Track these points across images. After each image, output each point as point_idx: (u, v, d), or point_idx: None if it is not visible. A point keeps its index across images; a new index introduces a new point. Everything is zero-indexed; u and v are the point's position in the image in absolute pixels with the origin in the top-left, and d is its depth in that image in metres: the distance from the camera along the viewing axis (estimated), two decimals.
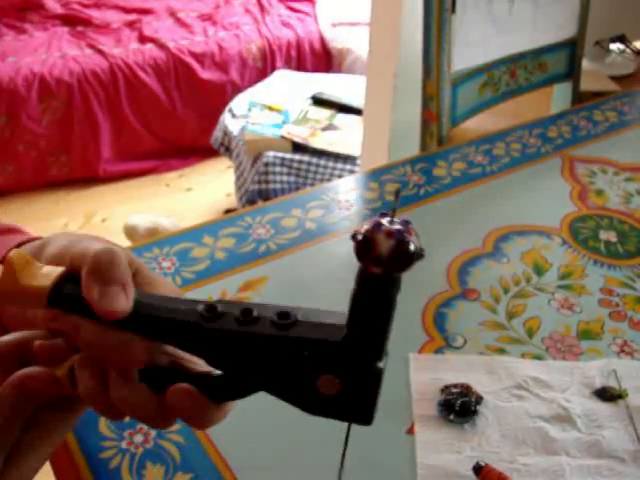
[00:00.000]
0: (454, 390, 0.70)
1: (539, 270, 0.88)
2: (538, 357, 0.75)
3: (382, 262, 0.36)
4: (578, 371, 0.74)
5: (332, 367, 0.39)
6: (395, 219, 0.37)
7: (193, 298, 0.42)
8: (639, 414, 0.69)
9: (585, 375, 0.73)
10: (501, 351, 0.76)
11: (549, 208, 1.00)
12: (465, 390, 0.70)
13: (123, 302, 0.39)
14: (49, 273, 0.41)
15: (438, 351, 0.75)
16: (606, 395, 0.71)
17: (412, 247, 0.36)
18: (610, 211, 1.01)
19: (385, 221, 0.36)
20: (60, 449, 0.65)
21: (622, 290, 0.86)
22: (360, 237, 0.36)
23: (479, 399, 0.69)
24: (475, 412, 0.68)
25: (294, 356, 0.40)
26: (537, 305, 0.82)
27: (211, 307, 0.41)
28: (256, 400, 0.42)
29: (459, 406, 0.68)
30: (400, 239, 0.35)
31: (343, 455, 0.45)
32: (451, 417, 0.67)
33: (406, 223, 0.36)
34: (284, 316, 0.40)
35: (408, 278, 0.86)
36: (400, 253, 0.35)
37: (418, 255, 0.36)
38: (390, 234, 0.35)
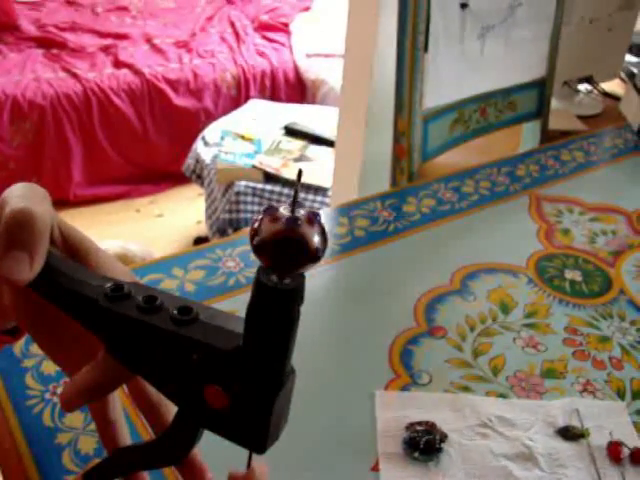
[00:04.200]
0: (419, 428, 0.70)
1: (505, 308, 0.89)
2: (503, 395, 0.76)
3: (265, 251, 0.31)
4: (541, 410, 0.75)
5: (219, 377, 0.36)
6: (302, 209, 0.32)
7: (119, 279, 0.40)
8: (601, 454, 0.70)
9: (548, 414, 0.74)
10: (466, 389, 0.76)
11: (516, 246, 1.02)
12: (430, 428, 0.70)
13: (24, 271, 0.37)
14: None
15: (404, 388, 0.76)
16: (569, 434, 0.72)
17: (306, 240, 0.31)
18: (576, 250, 1.02)
19: (283, 207, 0.32)
20: None
21: (586, 329, 0.87)
22: (255, 223, 0.32)
23: (444, 437, 0.70)
24: (439, 450, 0.68)
25: (183, 358, 0.37)
26: (503, 344, 0.83)
27: (118, 287, 0.39)
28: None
29: (424, 444, 0.68)
30: (289, 226, 0.30)
31: None
32: (416, 455, 0.68)
33: (313, 215, 0.32)
34: (184, 312, 0.38)
35: (376, 313, 0.87)
36: (286, 243, 0.30)
37: (312, 252, 0.31)
38: (277, 219, 0.30)
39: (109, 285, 0.39)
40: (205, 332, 0.37)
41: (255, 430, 0.37)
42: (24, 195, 0.39)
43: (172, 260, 0.92)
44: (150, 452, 0.42)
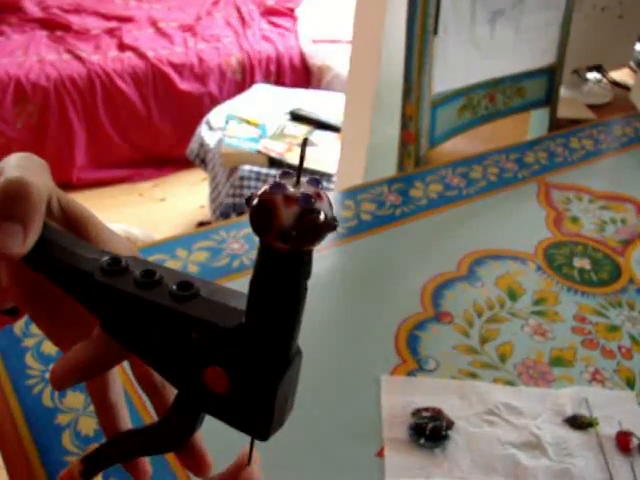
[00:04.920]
0: (425, 414, 0.69)
1: (513, 295, 0.88)
2: (510, 383, 0.75)
3: (282, 236, 0.29)
4: (550, 398, 0.73)
5: (219, 358, 0.34)
6: (303, 179, 0.30)
7: (119, 254, 0.38)
8: (609, 443, 0.69)
9: (556, 402, 0.73)
10: (473, 376, 0.75)
11: (524, 233, 1.00)
12: (436, 414, 0.69)
13: (16, 244, 0.35)
14: None
15: (410, 374, 0.74)
16: (577, 423, 0.71)
17: (321, 216, 0.29)
18: (584, 238, 1.01)
19: (288, 182, 0.30)
20: None
21: (595, 318, 0.86)
22: (255, 202, 0.29)
23: (450, 424, 0.69)
24: (446, 437, 0.67)
25: (182, 336, 0.35)
26: (510, 330, 0.82)
27: (115, 261, 0.37)
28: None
29: (430, 430, 0.67)
30: (306, 206, 0.29)
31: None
32: (421, 441, 0.66)
33: (315, 183, 0.30)
34: (184, 287, 0.35)
35: (382, 298, 0.85)
36: (306, 224, 0.29)
37: (329, 226, 0.29)
38: (292, 199, 0.29)
39: (106, 259, 0.37)
40: (206, 309, 0.34)
41: (258, 415, 0.35)
42: (20, 165, 0.38)
43: (176, 241, 0.90)
44: (150, 437, 0.40)
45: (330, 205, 0.30)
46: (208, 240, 0.91)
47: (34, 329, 0.74)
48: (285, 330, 0.33)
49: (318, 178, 0.31)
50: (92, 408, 0.66)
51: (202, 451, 0.41)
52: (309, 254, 0.31)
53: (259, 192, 0.29)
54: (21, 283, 0.41)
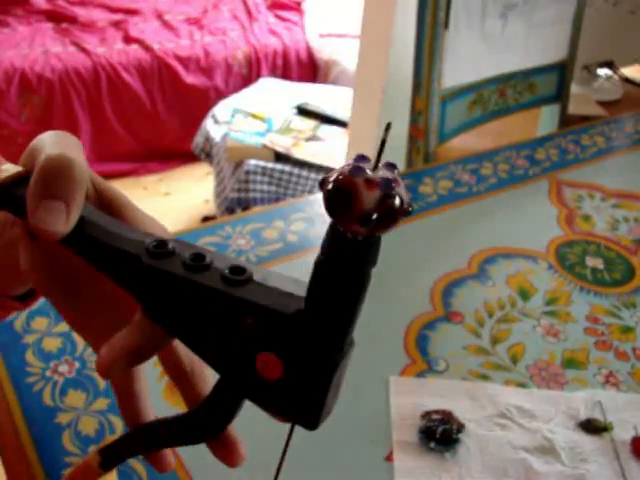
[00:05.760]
0: (435, 417, 0.67)
1: (524, 295, 0.86)
2: (522, 385, 0.73)
3: (362, 220, 0.28)
4: (562, 401, 0.72)
5: (275, 344, 0.33)
6: (380, 164, 0.29)
7: (160, 236, 0.37)
8: (624, 449, 0.67)
9: (570, 406, 0.71)
10: (484, 377, 0.73)
11: (536, 231, 0.98)
12: (447, 417, 0.67)
13: (59, 222, 0.34)
14: (7, 170, 0.36)
15: (420, 375, 0.73)
16: (591, 427, 0.69)
17: (398, 201, 0.28)
18: (597, 237, 0.99)
19: (366, 166, 0.28)
20: None
21: (608, 319, 0.84)
22: (331, 186, 0.28)
23: (461, 427, 0.67)
24: (456, 440, 0.66)
25: (235, 321, 0.33)
26: (522, 331, 0.80)
27: (161, 243, 0.35)
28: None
29: (440, 434, 0.65)
30: (387, 191, 0.28)
31: (279, 466, 0.38)
32: (432, 445, 0.65)
33: (392, 168, 0.29)
34: (237, 271, 0.34)
35: (391, 296, 0.83)
36: (386, 209, 0.28)
37: (405, 211, 0.29)
38: (374, 184, 0.28)
39: (151, 241, 0.35)
40: (261, 294, 0.33)
41: (309, 404, 0.33)
42: (60, 142, 0.36)
43: (181, 236, 0.88)
44: (185, 425, 0.39)
45: (406, 190, 0.29)
46: (213, 236, 0.89)
47: (35, 325, 0.73)
48: (345, 319, 0.32)
49: (394, 163, 0.29)
50: (94, 407, 0.65)
51: (236, 441, 0.39)
52: (379, 240, 0.30)
53: (335, 175, 0.28)
54: (44, 266, 0.39)
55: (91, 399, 0.65)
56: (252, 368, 0.34)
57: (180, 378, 0.42)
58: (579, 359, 0.77)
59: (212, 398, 0.37)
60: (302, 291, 0.32)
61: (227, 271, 0.34)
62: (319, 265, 0.31)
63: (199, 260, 0.34)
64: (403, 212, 0.28)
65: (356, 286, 0.31)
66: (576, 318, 0.83)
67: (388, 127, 0.29)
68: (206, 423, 0.38)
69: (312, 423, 0.34)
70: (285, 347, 0.32)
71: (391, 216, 0.28)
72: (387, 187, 0.28)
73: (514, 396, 0.72)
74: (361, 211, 0.28)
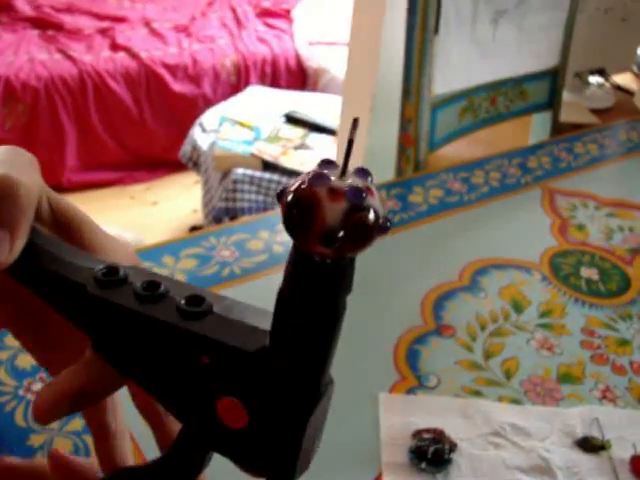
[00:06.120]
0: (426, 436, 0.64)
1: (518, 307, 0.83)
2: (516, 401, 0.70)
3: (325, 239, 0.23)
4: (558, 418, 0.69)
5: (236, 387, 0.29)
6: (349, 169, 0.25)
7: (112, 262, 0.33)
8: (623, 467, 0.64)
9: (566, 423, 0.68)
10: (477, 393, 0.71)
11: (529, 241, 0.96)
12: (438, 436, 0.64)
13: (1, 253, 0.30)
14: None
15: (410, 391, 0.70)
16: (588, 446, 0.66)
17: (372, 215, 0.24)
18: (591, 247, 0.97)
19: (332, 173, 0.24)
20: None
21: (604, 331, 0.81)
22: (290, 197, 0.24)
23: (453, 446, 0.64)
24: (449, 461, 0.63)
25: (191, 360, 0.29)
26: (516, 345, 0.77)
27: (111, 270, 0.31)
28: None
29: (432, 454, 0.62)
30: (355, 201, 0.23)
31: None
32: (423, 465, 0.62)
33: (364, 175, 0.25)
34: (195, 302, 0.30)
35: (379, 310, 0.80)
36: (355, 224, 0.23)
37: (381, 227, 0.24)
38: (339, 194, 0.23)
39: (101, 268, 0.32)
40: (220, 328, 0.29)
41: (281, 457, 0.29)
42: (7, 160, 0.32)
43: (163, 247, 0.86)
44: (150, 477, 0.34)
45: (382, 202, 0.25)
46: (197, 247, 0.86)
47: (8, 341, 0.69)
48: (318, 355, 0.28)
49: (366, 168, 0.25)
50: (69, 428, 0.61)
51: None
52: (352, 262, 0.26)
53: (295, 184, 0.24)
54: (2, 298, 0.36)
55: (66, 419, 0.62)
56: (213, 415, 0.30)
57: (154, 420, 0.38)
58: (575, 374, 0.75)
59: (175, 448, 0.33)
60: (269, 324, 0.28)
61: (183, 302, 0.30)
62: (282, 295, 0.27)
63: (153, 289, 0.31)
64: (378, 228, 0.24)
65: (327, 318, 0.27)
66: (571, 331, 0.81)
67: (355, 124, 0.25)
68: (170, 476, 0.33)
69: (285, 479, 0.30)
70: (248, 391, 0.28)
71: (362, 233, 0.24)
72: (355, 197, 0.23)
73: (508, 413, 0.69)
74: (324, 228, 0.23)
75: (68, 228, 0.35)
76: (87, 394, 0.32)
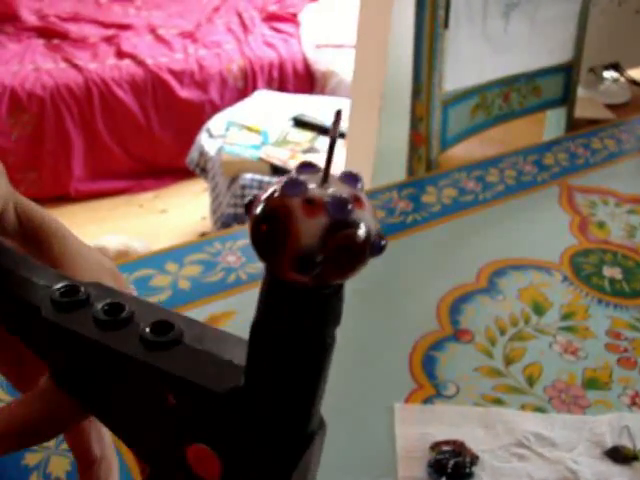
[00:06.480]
0: (446, 448, 0.60)
1: (539, 309, 0.79)
2: (540, 409, 0.66)
3: (300, 263, 0.19)
4: (586, 427, 0.65)
5: (206, 433, 0.24)
6: (332, 174, 0.20)
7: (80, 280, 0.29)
8: None
9: (594, 432, 0.64)
10: (498, 402, 0.67)
11: (548, 240, 0.92)
12: (458, 448, 0.60)
13: None
14: None
15: (427, 401, 0.66)
16: (619, 456, 0.62)
17: (361, 232, 0.19)
18: (613, 245, 0.93)
19: (311, 180, 0.20)
20: None
21: (630, 333, 0.77)
22: (259, 209, 0.19)
23: (474, 459, 0.60)
24: (470, 475, 0.59)
25: (155, 399, 0.25)
26: (538, 349, 0.73)
27: (70, 289, 0.27)
28: None
29: (452, 467, 0.58)
30: (338, 216, 0.19)
31: None
32: None
33: (351, 181, 0.20)
34: (162, 329, 0.25)
35: (393, 315, 0.76)
36: (339, 244, 0.19)
37: (373, 247, 0.20)
38: (317, 205, 0.19)
39: (59, 287, 0.28)
40: (188, 362, 0.25)
41: None
42: None
43: (166, 254, 0.82)
44: None
45: (374, 215, 0.20)
46: (201, 252, 0.83)
47: None
48: (301, 397, 0.23)
49: (356, 173, 0.21)
50: (65, 446, 0.58)
51: None
52: (340, 290, 0.21)
53: (266, 193, 0.20)
54: None
55: (63, 437, 0.59)
56: (183, 462, 0.25)
57: (82, 461, 0.33)
58: (602, 379, 0.71)
59: None
60: (244, 359, 0.24)
61: (148, 329, 0.26)
62: (256, 326, 0.23)
63: (115, 312, 0.26)
64: (369, 247, 0.20)
65: (310, 354, 0.22)
66: (595, 333, 0.77)
67: (338, 116, 0.20)
68: None
69: None
70: (219, 438, 0.24)
71: (347, 256, 0.19)
72: (338, 211, 0.19)
73: (532, 422, 0.65)
74: (297, 250, 0.19)
75: (36, 238, 0.32)
76: (40, 427, 0.28)
